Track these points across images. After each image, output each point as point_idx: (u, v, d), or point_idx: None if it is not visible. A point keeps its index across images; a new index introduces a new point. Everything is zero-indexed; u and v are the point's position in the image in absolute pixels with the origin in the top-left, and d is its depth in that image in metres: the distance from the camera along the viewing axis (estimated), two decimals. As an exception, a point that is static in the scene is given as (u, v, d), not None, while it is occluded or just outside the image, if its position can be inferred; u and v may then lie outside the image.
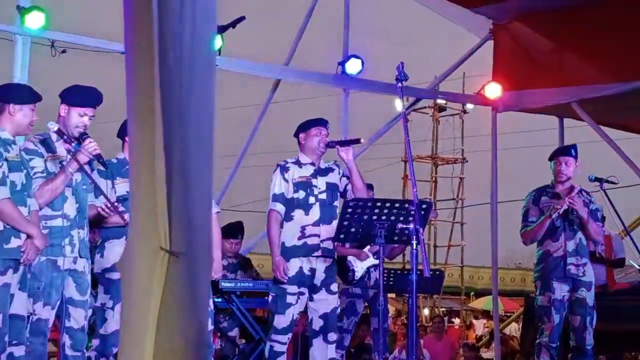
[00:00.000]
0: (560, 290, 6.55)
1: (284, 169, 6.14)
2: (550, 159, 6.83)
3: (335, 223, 6.08)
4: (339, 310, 6.36)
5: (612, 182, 6.86)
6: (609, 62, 10.66)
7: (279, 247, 6.04)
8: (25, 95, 5.14)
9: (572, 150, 6.74)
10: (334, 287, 6.09)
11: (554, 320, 6.53)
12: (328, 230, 6.04)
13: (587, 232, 6.61)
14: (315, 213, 6.05)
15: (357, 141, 6.25)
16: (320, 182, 6.12)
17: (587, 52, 10.97)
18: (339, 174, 6.22)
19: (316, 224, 6.03)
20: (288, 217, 6.09)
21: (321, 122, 6.21)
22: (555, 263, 6.58)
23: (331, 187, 6.15)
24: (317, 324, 6.02)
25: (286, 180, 6.11)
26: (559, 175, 6.68)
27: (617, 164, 10.65)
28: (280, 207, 6.09)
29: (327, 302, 6.03)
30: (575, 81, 11.09)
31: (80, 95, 5.27)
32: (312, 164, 6.17)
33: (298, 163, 6.18)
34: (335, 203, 6.18)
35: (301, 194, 6.08)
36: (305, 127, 6.21)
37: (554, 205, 6.55)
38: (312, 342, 6.06)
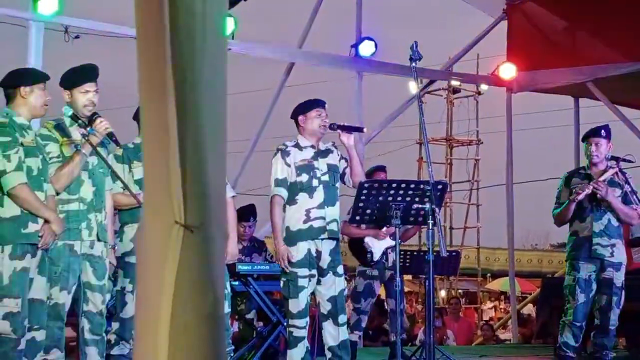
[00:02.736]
0: (586, 270, 6.53)
1: (285, 153, 6.03)
2: (582, 141, 6.83)
3: (338, 205, 6.06)
4: (346, 292, 6.31)
5: (629, 161, 6.82)
6: (624, 40, 10.59)
7: (283, 233, 6.00)
8: (33, 75, 5.16)
9: (602, 131, 6.70)
10: (340, 269, 6.04)
11: (578, 299, 6.51)
12: (332, 212, 5.99)
13: (617, 215, 6.59)
14: (320, 196, 5.99)
15: (360, 129, 6.14)
16: (322, 164, 6.05)
17: (602, 31, 10.91)
18: (338, 155, 6.16)
19: (321, 206, 5.97)
20: (292, 201, 5.99)
21: (320, 103, 6.10)
22: (581, 243, 6.58)
23: (332, 169, 6.09)
24: (326, 307, 5.98)
25: (288, 165, 6.01)
26: (590, 156, 6.67)
27: (633, 142, 10.61)
28: (284, 192, 6.00)
29: (334, 285, 5.98)
30: (590, 60, 11.04)
31: (76, 74, 5.27)
32: (312, 146, 6.07)
33: (298, 146, 6.07)
34: (337, 184, 6.11)
35: (304, 177, 5.99)
36: (304, 109, 6.09)
37: (577, 189, 6.53)
38: (322, 325, 6.04)
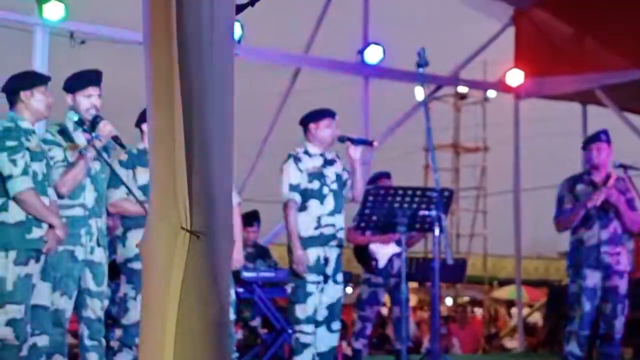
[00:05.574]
0: (592, 278, 6.47)
1: (297, 159, 6.04)
2: (583, 148, 6.74)
3: (344, 213, 6.11)
4: (342, 300, 6.31)
5: (637, 169, 6.77)
6: (632, 47, 10.56)
7: (299, 239, 5.98)
8: (32, 79, 5.09)
9: (602, 135, 6.64)
10: (340, 277, 6.07)
11: (584, 308, 6.46)
12: (340, 219, 6.06)
13: (623, 221, 6.54)
14: (330, 203, 6.02)
15: (370, 144, 6.15)
16: (330, 172, 6.10)
17: (609, 37, 10.87)
18: (342, 165, 6.18)
19: (331, 213, 6.01)
20: (302, 208, 6.02)
21: (332, 114, 6.14)
22: (588, 252, 6.50)
23: (339, 177, 6.13)
24: (322, 314, 6.02)
25: (300, 171, 6.03)
26: (591, 162, 6.60)
27: (641, 150, 10.55)
28: (298, 198, 6.01)
29: (333, 292, 6.03)
30: (598, 67, 11.00)
31: (80, 79, 5.25)
32: (321, 154, 6.11)
33: (307, 153, 6.09)
34: (343, 193, 6.15)
35: (315, 184, 6.03)
36: (316, 117, 6.10)
37: (591, 196, 6.46)
38: (315, 331, 6.03)
